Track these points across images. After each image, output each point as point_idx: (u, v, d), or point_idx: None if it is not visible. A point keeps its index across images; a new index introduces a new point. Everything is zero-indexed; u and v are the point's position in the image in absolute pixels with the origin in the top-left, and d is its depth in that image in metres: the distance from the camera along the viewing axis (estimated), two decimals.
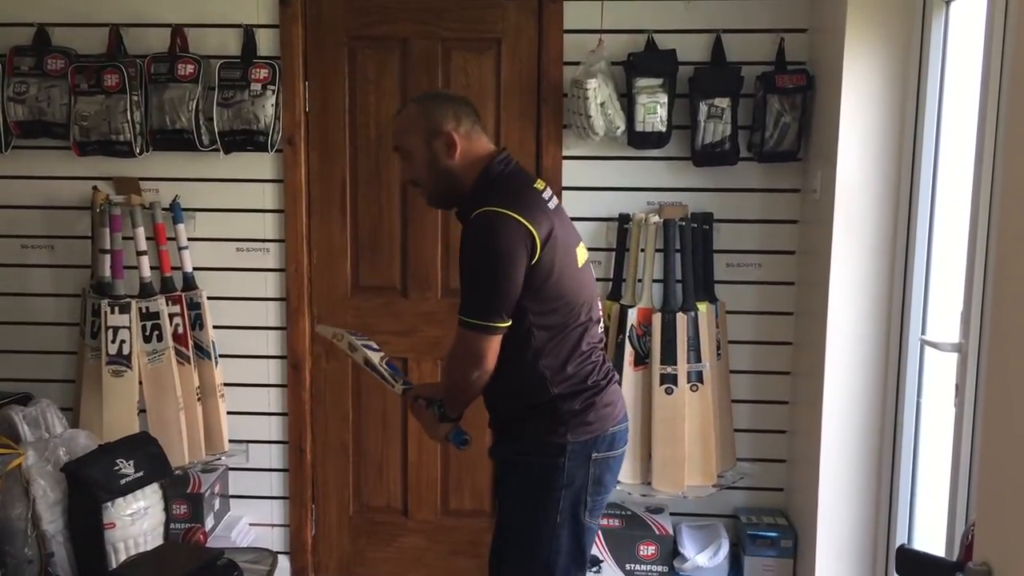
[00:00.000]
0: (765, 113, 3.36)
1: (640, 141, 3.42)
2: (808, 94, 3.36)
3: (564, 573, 2.38)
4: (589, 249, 3.58)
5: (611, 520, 3.52)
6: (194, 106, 3.45)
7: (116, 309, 3.47)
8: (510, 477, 2.45)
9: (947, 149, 2.90)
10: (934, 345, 2.76)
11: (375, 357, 2.61)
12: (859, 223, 3.10)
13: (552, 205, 2.37)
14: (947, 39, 2.88)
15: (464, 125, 2.38)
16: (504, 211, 2.22)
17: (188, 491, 3.52)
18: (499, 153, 2.41)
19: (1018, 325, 1.42)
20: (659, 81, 3.38)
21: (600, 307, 2.58)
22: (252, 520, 3.79)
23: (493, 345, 2.28)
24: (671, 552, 3.51)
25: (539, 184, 2.42)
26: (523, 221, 2.22)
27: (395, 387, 2.59)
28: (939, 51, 2.89)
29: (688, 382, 3.44)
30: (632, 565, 3.50)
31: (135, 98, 3.46)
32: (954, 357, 2.53)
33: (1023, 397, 1.39)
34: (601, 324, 2.56)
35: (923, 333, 2.98)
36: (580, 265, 2.41)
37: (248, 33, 3.55)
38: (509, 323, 2.27)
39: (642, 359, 3.47)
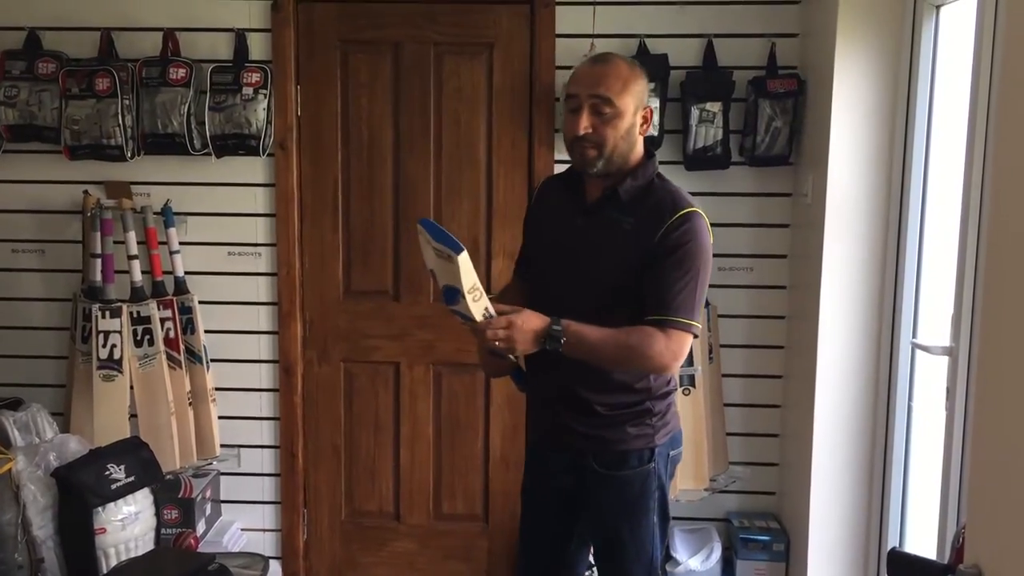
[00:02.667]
0: (756, 117, 3.37)
1: None
2: (799, 98, 3.37)
3: (658, 563, 2.44)
4: None
5: None
6: (186, 110, 3.45)
7: (107, 313, 3.46)
8: (602, 490, 2.37)
9: (937, 153, 2.91)
10: (925, 349, 2.77)
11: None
12: (850, 227, 3.11)
13: None
14: (937, 43, 2.89)
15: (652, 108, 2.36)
16: (704, 216, 2.26)
17: (179, 496, 3.51)
18: (654, 154, 2.39)
19: (1008, 328, 1.43)
20: (651, 85, 3.36)
21: None
22: (244, 525, 3.78)
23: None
24: (664, 556, 3.50)
25: None
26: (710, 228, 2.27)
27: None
28: (929, 55, 2.91)
29: (680, 386, 3.44)
30: None
31: (126, 102, 3.45)
32: (945, 360, 2.54)
33: (1013, 400, 1.39)
34: None
35: (914, 337, 2.99)
36: None
37: (240, 37, 3.54)
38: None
39: None
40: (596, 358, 2.21)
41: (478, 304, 2.15)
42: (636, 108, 2.25)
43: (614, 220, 2.27)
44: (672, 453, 2.41)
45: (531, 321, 2.12)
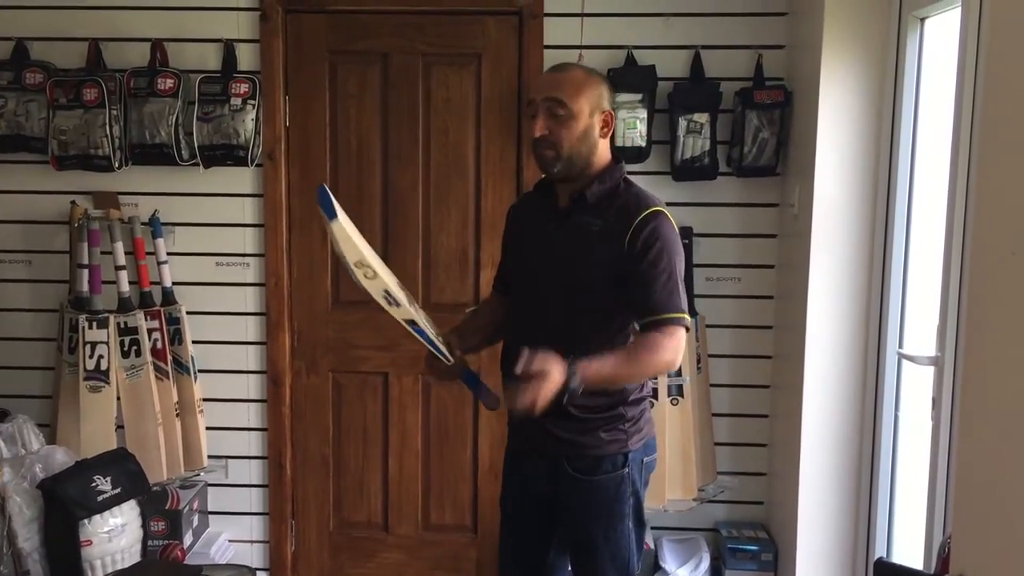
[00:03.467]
0: (744, 128, 3.39)
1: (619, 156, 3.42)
2: (786, 109, 3.38)
3: (635, 569, 2.44)
4: None
5: None
6: (174, 120, 3.45)
7: (94, 324, 3.44)
8: (577, 496, 2.39)
9: (923, 164, 2.93)
10: (911, 358, 2.78)
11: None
12: (836, 237, 3.13)
13: None
14: (922, 55, 2.91)
15: (614, 113, 2.39)
16: (667, 212, 2.31)
17: (166, 507, 3.49)
18: (621, 159, 2.44)
19: (992, 339, 1.44)
20: (638, 96, 3.40)
21: None
22: (231, 536, 3.77)
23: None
24: (652, 566, 3.51)
25: None
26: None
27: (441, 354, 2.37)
28: (914, 67, 2.93)
29: (668, 396, 3.45)
30: None
31: (114, 112, 3.44)
32: (930, 370, 2.55)
33: (998, 410, 1.40)
34: None
35: (900, 346, 3.00)
36: None
37: (228, 48, 3.55)
38: None
39: None
40: (616, 385, 2.29)
41: (374, 284, 2.21)
42: (592, 110, 2.30)
43: (583, 223, 2.32)
44: (647, 460, 2.43)
45: (551, 387, 2.06)
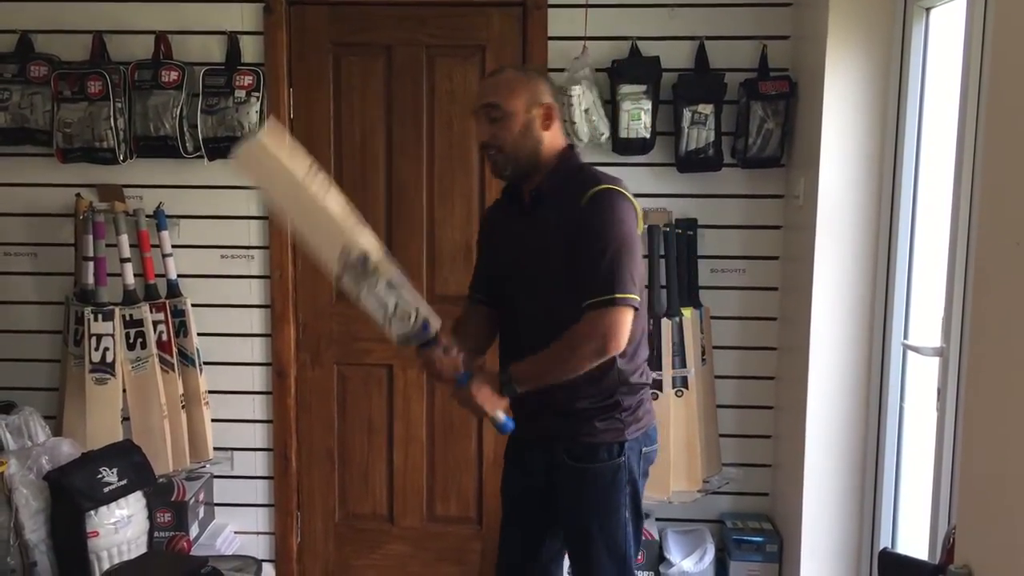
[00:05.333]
0: (748, 119, 3.38)
1: (624, 147, 3.43)
2: (791, 100, 3.38)
3: (632, 561, 2.44)
4: None
5: None
6: (178, 113, 3.44)
7: (99, 316, 3.45)
8: (573, 484, 2.41)
9: (928, 154, 2.92)
10: (916, 349, 2.78)
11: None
12: (841, 228, 3.12)
13: None
14: (927, 45, 2.90)
15: (557, 105, 2.40)
16: (622, 191, 2.30)
17: (172, 499, 3.51)
18: (573, 146, 2.46)
19: (998, 329, 1.44)
20: (643, 88, 3.39)
21: None
22: (237, 528, 3.78)
23: (630, 323, 2.25)
24: (657, 557, 3.52)
25: None
26: (635, 204, 2.31)
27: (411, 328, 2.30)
28: (919, 57, 2.92)
29: (673, 387, 3.45)
30: None
31: (119, 105, 3.44)
32: (936, 361, 2.55)
33: (1003, 401, 1.40)
34: None
35: (905, 337, 3.00)
36: None
37: (232, 40, 3.54)
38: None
39: None
40: (555, 379, 2.27)
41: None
42: (529, 106, 2.33)
43: (543, 219, 2.34)
44: (646, 450, 2.43)
45: (483, 392, 2.27)
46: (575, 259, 2.26)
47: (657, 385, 3.43)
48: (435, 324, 2.30)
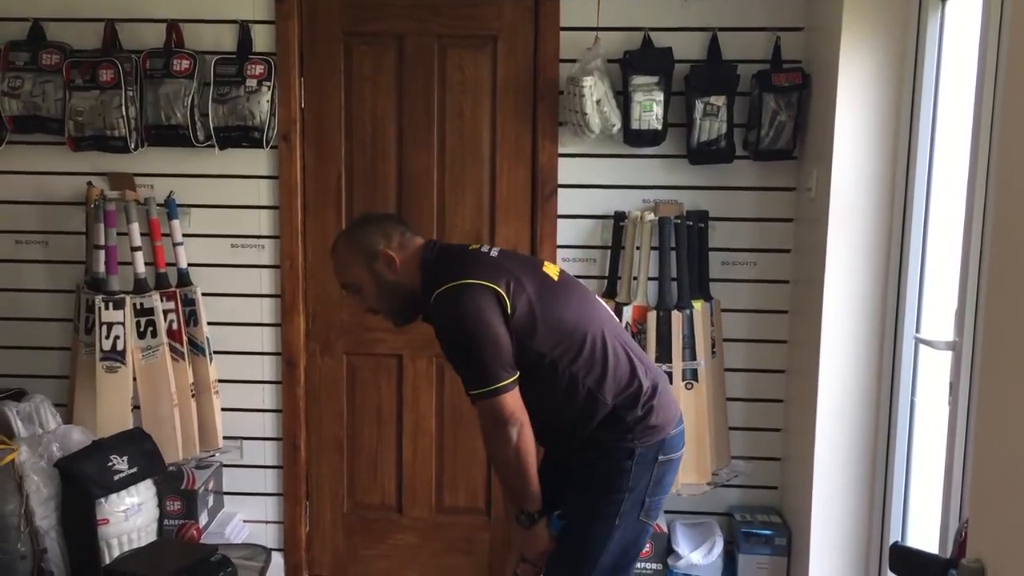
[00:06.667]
0: (761, 111, 3.36)
1: (636, 139, 3.42)
2: (804, 92, 3.36)
3: (606, 572, 2.40)
4: (584, 247, 3.61)
5: None
6: (189, 102, 3.45)
7: (110, 305, 3.46)
8: (574, 479, 2.43)
9: (942, 147, 2.90)
10: (928, 343, 2.76)
11: None
12: (854, 221, 3.10)
13: (495, 253, 2.44)
14: (943, 37, 2.88)
15: (394, 238, 2.44)
16: (459, 282, 2.30)
17: (182, 487, 3.52)
18: (424, 247, 2.46)
19: (1012, 323, 1.43)
20: (655, 79, 3.38)
21: (600, 303, 2.58)
22: (246, 517, 3.79)
23: (513, 399, 2.28)
24: (665, 550, 3.51)
25: (473, 245, 2.51)
26: (481, 282, 2.28)
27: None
28: (934, 49, 2.89)
29: (683, 380, 3.45)
30: None
31: (130, 93, 3.44)
32: (948, 355, 2.53)
33: (1016, 395, 1.39)
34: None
35: (917, 331, 2.98)
36: (557, 280, 2.45)
37: (244, 29, 3.54)
38: (517, 374, 2.29)
39: None
40: (515, 478, 2.35)
41: None
42: (368, 267, 2.42)
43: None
44: (663, 458, 2.40)
45: (524, 543, 2.43)
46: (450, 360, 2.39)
47: (667, 377, 3.42)
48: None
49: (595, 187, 3.58)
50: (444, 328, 2.33)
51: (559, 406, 2.36)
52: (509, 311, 2.27)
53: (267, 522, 3.81)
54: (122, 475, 3.10)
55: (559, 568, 2.42)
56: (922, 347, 2.94)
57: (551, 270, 2.48)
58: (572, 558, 2.40)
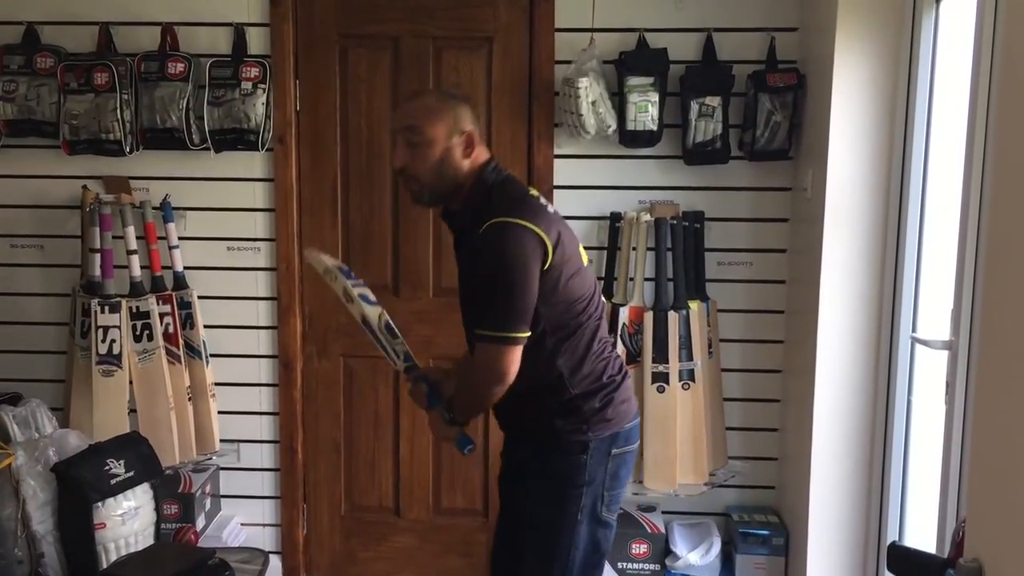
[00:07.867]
0: (756, 112, 3.37)
1: (631, 139, 3.42)
2: (799, 93, 3.36)
3: (582, 569, 2.40)
4: None
5: None
6: (184, 105, 3.44)
7: (106, 308, 3.45)
8: (529, 476, 2.44)
9: (937, 147, 2.91)
10: (925, 343, 2.77)
11: (372, 313, 2.44)
12: (850, 221, 3.11)
13: (551, 210, 2.39)
14: (937, 38, 2.88)
15: (478, 130, 2.38)
16: (516, 220, 2.23)
17: (179, 491, 3.51)
18: (490, 161, 2.41)
19: (1008, 323, 1.43)
20: (650, 80, 3.38)
21: (603, 302, 2.58)
22: (243, 520, 3.79)
23: (517, 357, 2.26)
24: (663, 550, 3.51)
25: (533, 191, 2.44)
26: (535, 229, 2.23)
27: (396, 363, 2.48)
28: (929, 50, 2.90)
29: (680, 380, 3.45)
30: (624, 563, 3.50)
31: (125, 97, 3.44)
32: (944, 355, 2.54)
33: (1013, 394, 1.40)
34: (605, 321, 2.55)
35: (914, 331, 2.99)
36: (584, 264, 2.43)
37: (238, 32, 3.54)
38: (529, 333, 2.27)
39: (633, 358, 3.47)
40: (476, 409, 2.46)
41: (353, 306, 2.45)
42: (449, 134, 2.31)
43: (468, 243, 2.36)
44: (615, 451, 2.39)
45: (435, 426, 2.47)
46: (477, 287, 2.33)
47: (664, 378, 3.42)
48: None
49: (591, 188, 3.58)
50: (490, 258, 2.25)
51: (527, 378, 2.32)
52: (546, 267, 2.26)
53: (264, 525, 3.80)
54: (119, 479, 3.10)
55: (534, 570, 2.42)
56: (918, 347, 2.94)
57: (584, 255, 2.46)
58: (545, 560, 2.39)
